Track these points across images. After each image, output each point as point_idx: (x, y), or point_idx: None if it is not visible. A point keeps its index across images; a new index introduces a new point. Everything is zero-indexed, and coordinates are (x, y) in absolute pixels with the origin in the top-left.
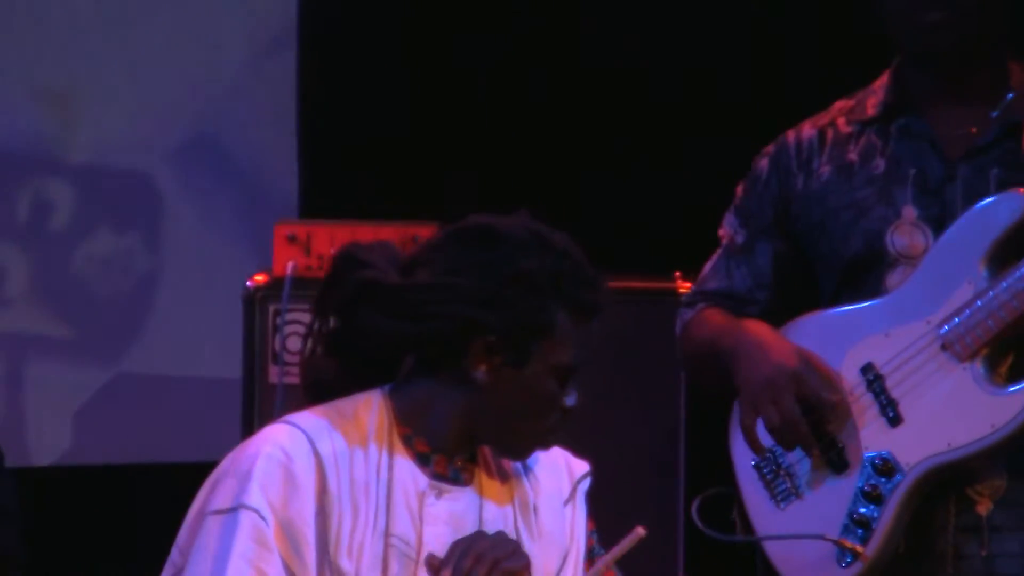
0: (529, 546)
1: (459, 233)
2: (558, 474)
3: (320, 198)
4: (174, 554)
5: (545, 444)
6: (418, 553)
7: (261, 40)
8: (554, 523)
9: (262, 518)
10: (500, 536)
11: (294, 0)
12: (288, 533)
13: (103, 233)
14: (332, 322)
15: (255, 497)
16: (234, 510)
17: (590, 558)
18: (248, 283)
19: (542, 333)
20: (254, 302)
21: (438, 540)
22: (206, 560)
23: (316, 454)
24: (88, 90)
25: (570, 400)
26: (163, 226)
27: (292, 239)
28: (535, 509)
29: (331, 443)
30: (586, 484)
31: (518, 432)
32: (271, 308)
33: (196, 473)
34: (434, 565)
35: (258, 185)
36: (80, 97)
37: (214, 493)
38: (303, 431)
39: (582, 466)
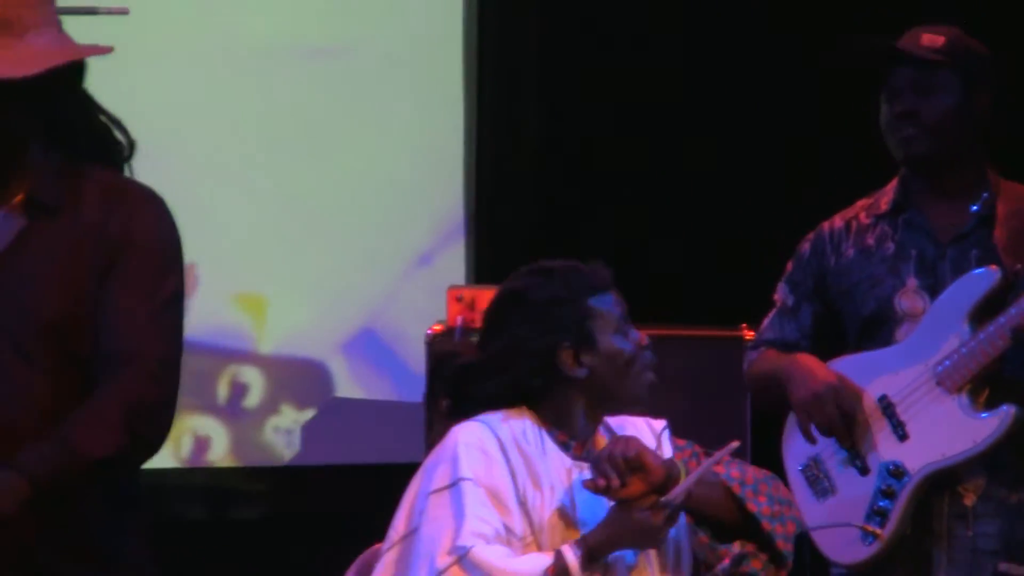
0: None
1: (496, 307)
2: (643, 433)
3: (480, 269)
4: (392, 531)
5: (647, 378)
6: (573, 512)
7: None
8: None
9: (476, 485)
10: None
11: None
12: (494, 493)
13: (287, 409)
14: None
15: (466, 471)
16: (455, 484)
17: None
18: (428, 331)
19: (588, 320)
20: (433, 345)
21: (583, 502)
22: (445, 521)
23: (497, 437)
24: (277, 295)
25: (635, 335)
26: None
27: (459, 299)
28: None
29: (504, 430)
30: (667, 432)
31: (630, 382)
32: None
33: (392, 470)
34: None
35: (437, 260)
36: (271, 301)
37: (430, 478)
38: (484, 423)
39: (661, 422)
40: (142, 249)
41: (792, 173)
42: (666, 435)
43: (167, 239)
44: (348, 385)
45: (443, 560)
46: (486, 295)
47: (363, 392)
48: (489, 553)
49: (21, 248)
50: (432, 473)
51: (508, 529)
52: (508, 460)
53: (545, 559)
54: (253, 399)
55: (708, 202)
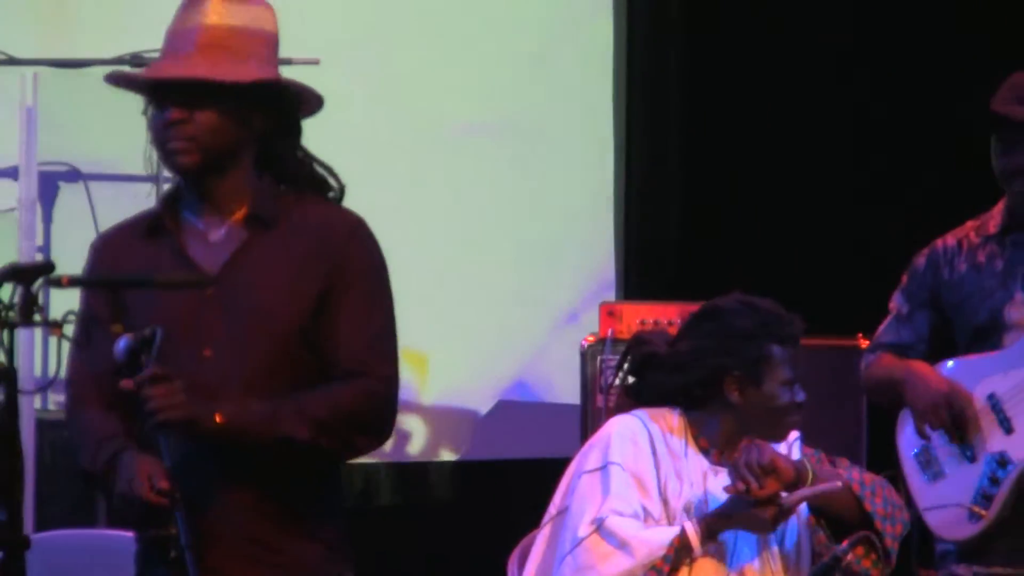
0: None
1: (697, 315)
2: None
3: (629, 282)
4: (550, 508)
5: (791, 427)
6: (705, 506)
7: None
8: None
9: (623, 469)
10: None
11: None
12: (638, 479)
13: (445, 455)
14: (628, 377)
15: (616, 456)
16: (604, 467)
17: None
18: (583, 342)
19: (764, 362)
20: (587, 354)
21: (715, 501)
22: (594, 497)
23: (647, 429)
24: (438, 352)
25: (799, 396)
26: None
27: (611, 313)
28: None
29: (654, 426)
30: (799, 442)
31: (773, 428)
32: (599, 358)
33: (550, 463)
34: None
35: (583, 317)
36: (432, 357)
37: (585, 460)
38: (637, 416)
39: (794, 432)
40: (361, 274)
41: (892, 197)
42: (797, 444)
43: (380, 265)
44: (502, 432)
45: (584, 529)
46: (633, 309)
47: (516, 438)
48: (623, 522)
49: (244, 258)
50: (586, 457)
51: (646, 511)
52: (655, 452)
53: (671, 532)
54: (416, 446)
55: (833, 227)
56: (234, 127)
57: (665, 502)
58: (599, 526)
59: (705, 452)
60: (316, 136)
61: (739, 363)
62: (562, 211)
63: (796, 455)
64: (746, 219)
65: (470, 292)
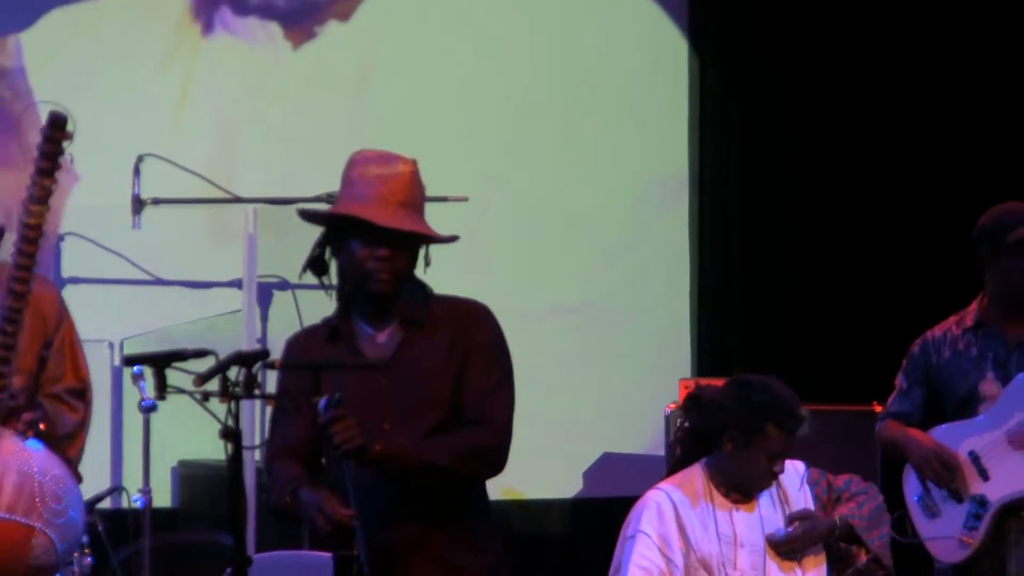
0: (783, 508)
1: (732, 380)
2: (789, 472)
3: (702, 362)
4: (612, 566)
5: (762, 488)
6: (734, 541)
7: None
8: (795, 502)
9: (647, 536)
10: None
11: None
12: (664, 541)
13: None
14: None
15: (644, 526)
16: (634, 536)
17: (829, 491)
18: (666, 409)
19: (758, 433)
20: (670, 418)
21: (744, 534)
22: (626, 559)
23: (671, 499)
24: (558, 415)
25: (776, 468)
26: None
27: (687, 388)
28: (786, 496)
29: (678, 493)
30: (807, 473)
31: (749, 484)
32: (678, 421)
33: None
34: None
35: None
36: (552, 418)
37: (626, 528)
38: (661, 490)
39: (800, 464)
40: (485, 347)
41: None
42: (806, 475)
43: (499, 338)
44: (605, 476)
45: None
46: (703, 383)
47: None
48: None
49: (406, 352)
50: (627, 525)
51: (670, 561)
52: (678, 515)
53: None
54: (536, 485)
55: (855, 318)
56: (414, 262)
57: (695, 551)
58: None
59: (725, 495)
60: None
61: (739, 426)
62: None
63: (807, 488)
64: (792, 313)
65: (587, 369)
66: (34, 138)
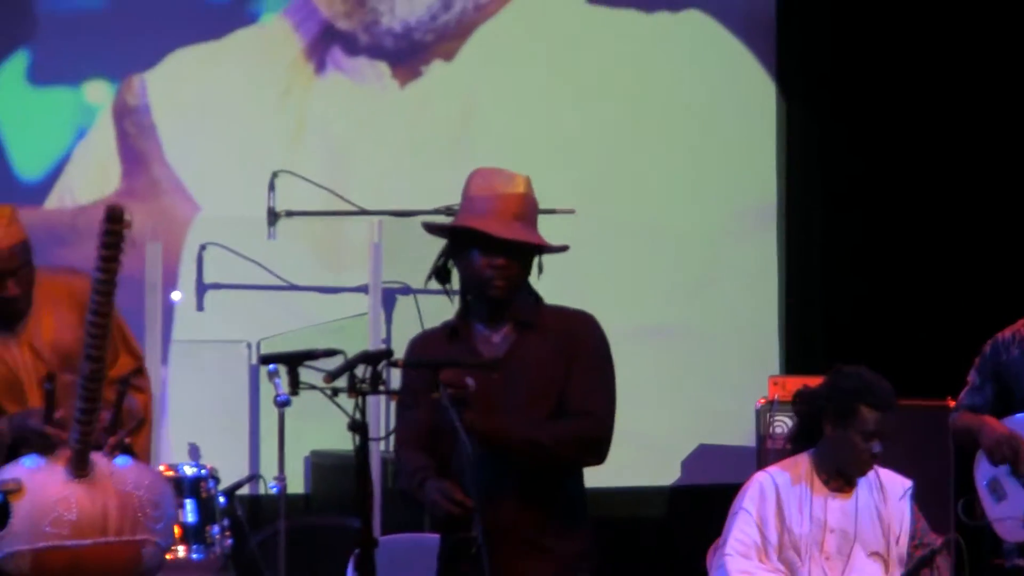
0: (881, 510)
1: (829, 372)
2: (894, 485)
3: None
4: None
5: (862, 471)
6: (824, 525)
7: None
8: (893, 508)
9: (748, 513)
10: None
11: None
12: (762, 519)
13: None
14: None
15: (747, 503)
16: (737, 512)
17: (914, 535)
18: (758, 403)
19: (853, 415)
20: (761, 412)
21: (836, 520)
22: (730, 529)
23: (774, 481)
24: (660, 409)
25: (875, 448)
26: None
27: (776, 383)
28: (884, 498)
29: (782, 476)
30: (911, 492)
31: (849, 465)
32: (767, 415)
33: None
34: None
35: (754, 360)
36: (655, 412)
37: (734, 504)
38: (768, 472)
39: (908, 482)
40: (590, 352)
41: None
42: (910, 494)
43: (603, 343)
44: (702, 465)
45: (722, 551)
46: (792, 380)
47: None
48: (737, 561)
49: (517, 352)
50: (735, 502)
51: (765, 539)
52: (779, 496)
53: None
54: (636, 474)
55: (934, 315)
56: (528, 270)
57: (789, 531)
58: (723, 557)
59: (825, 482)
60: None
61: (834, 410)
62: (731, 312)
63: (907, 506)
64: (871, 319)
65: (679, 369)
66: (158, 171)
